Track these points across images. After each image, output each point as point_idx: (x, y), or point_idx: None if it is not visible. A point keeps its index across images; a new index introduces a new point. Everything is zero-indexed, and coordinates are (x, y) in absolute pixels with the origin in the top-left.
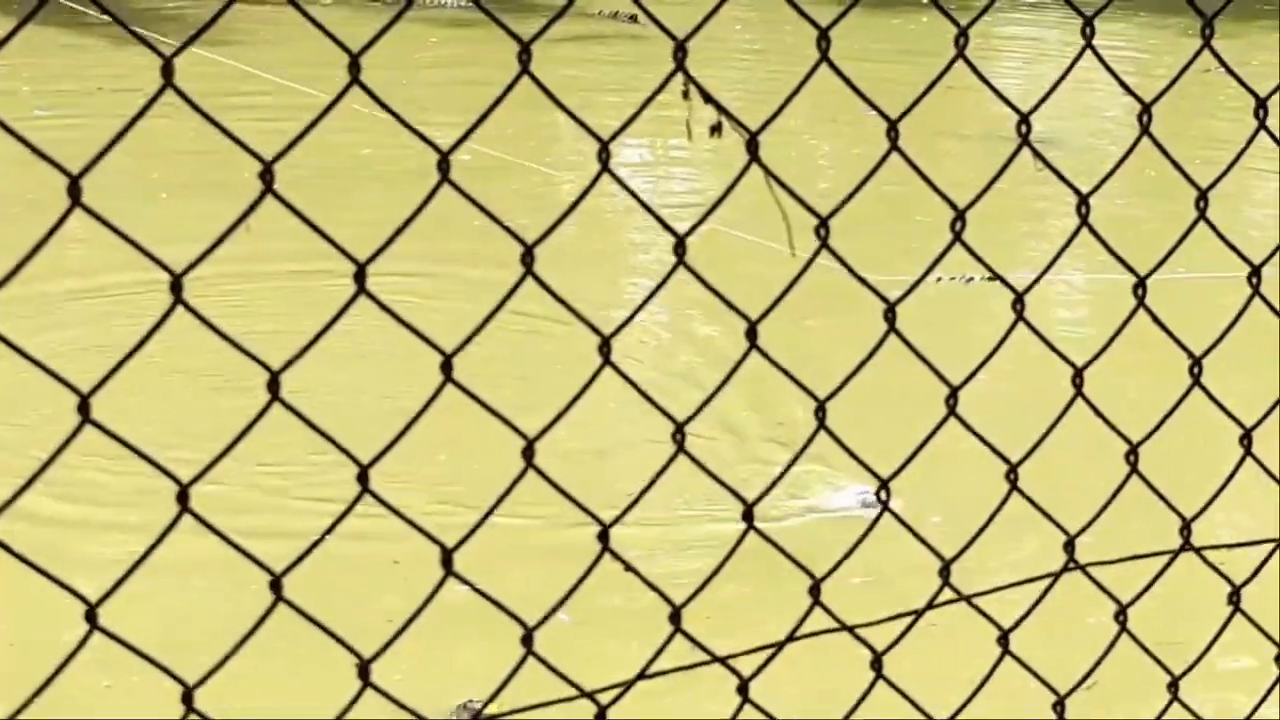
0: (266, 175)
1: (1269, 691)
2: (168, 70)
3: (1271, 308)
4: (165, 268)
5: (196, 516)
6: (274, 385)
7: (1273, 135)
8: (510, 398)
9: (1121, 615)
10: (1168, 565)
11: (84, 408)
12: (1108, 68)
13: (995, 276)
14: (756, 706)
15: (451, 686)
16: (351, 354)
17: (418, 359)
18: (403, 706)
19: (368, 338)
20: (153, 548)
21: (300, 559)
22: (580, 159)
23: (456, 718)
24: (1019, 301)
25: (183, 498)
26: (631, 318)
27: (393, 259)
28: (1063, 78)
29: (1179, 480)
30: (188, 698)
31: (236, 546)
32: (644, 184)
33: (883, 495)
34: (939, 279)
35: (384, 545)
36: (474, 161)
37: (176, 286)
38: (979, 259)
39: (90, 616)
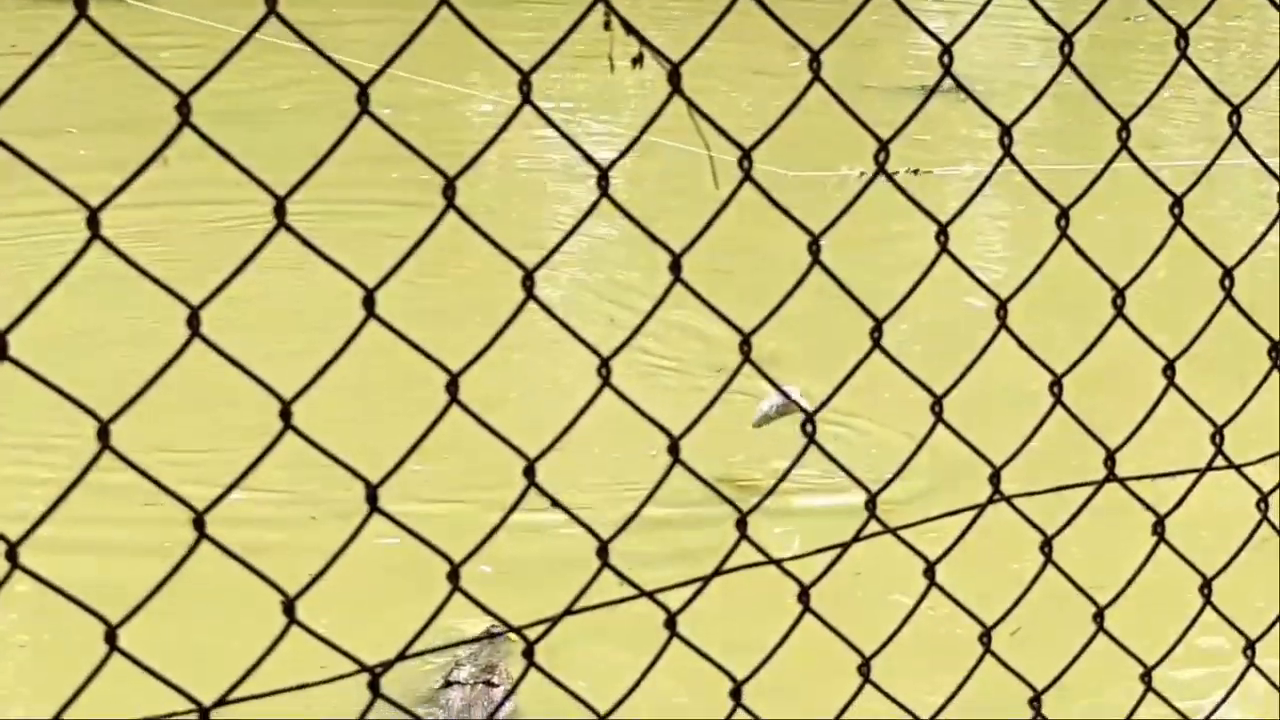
0: (183, 108)
1: (1194, 620)
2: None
3: (1196, 240)
4: (81, 201)
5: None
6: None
7: (1194, 65)
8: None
9: (1046, 547)
10: (1092, 495)
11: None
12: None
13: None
14: (684, 641)
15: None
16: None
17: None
18: (331, 644)
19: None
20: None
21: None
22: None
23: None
24: (942, 234)
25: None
26: (555, 250)
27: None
28: (984, 8)
29: (1109, 416)
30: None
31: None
32: (564, 118)
33: (808, 429)
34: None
35: (307, 508)
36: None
37: (93, 221)
38: (908, 196)
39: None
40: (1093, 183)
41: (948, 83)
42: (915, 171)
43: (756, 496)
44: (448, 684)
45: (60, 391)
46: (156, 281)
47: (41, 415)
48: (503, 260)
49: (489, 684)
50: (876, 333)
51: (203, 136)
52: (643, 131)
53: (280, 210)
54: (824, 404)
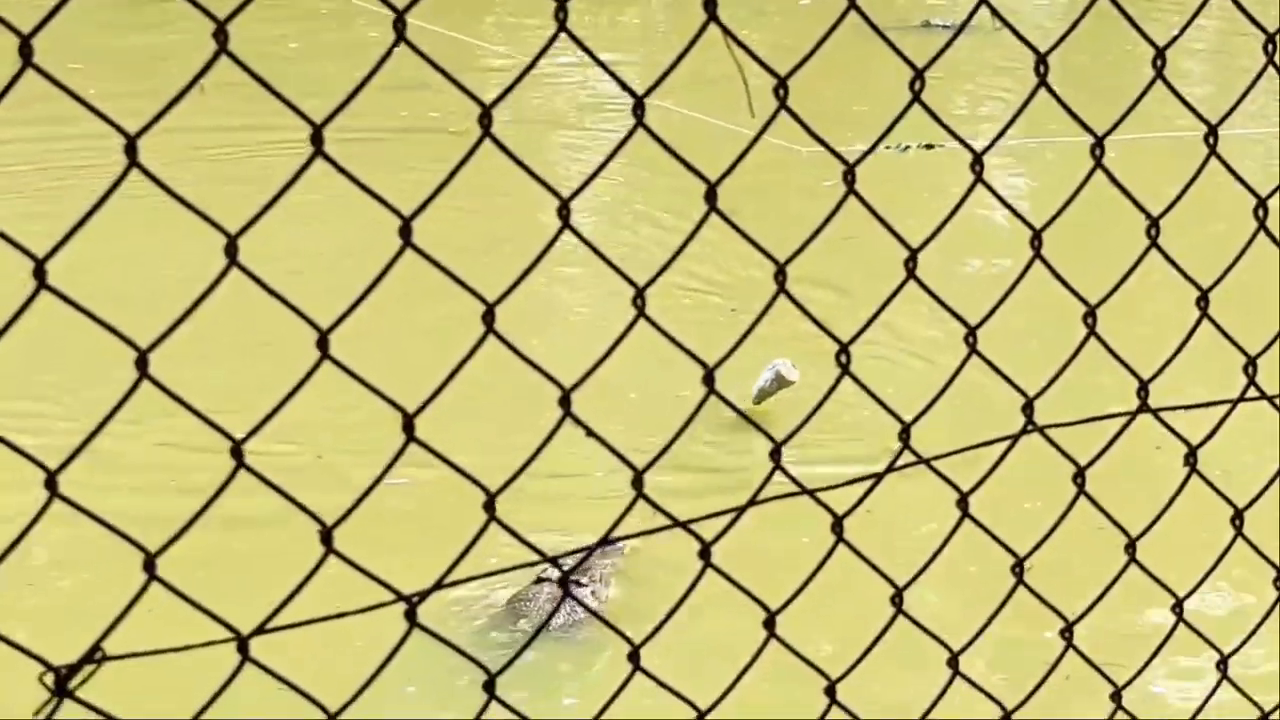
0: (220, 36)
1: (1226, 550)
2: None
3: (1228, 167)
4: (120, 129)
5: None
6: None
7: None
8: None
9: (1079, 478)
10: (1125, 426)
11: None
12: None
13: (955, 137)
14: (719, 571)
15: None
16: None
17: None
18: (368, 574)
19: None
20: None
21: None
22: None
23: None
24: (978, 163)
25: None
26: (592, 178)
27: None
28: None
29: (1143, 348)
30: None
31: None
32: (575, 59)
33: (842, 359)
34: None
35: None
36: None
37: (131, 149)
38: (939, 121)
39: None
40: (1128, 111)
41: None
42: (929, 146)
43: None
44: (538, 580)
45: (100, 322)
46: (194, 209)
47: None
48: (517, 195)
49: (577, 584)
50: (911, 263)
51: (240, 64)
52: (679, 59)
53: (318, 139)
54: (858, 334)
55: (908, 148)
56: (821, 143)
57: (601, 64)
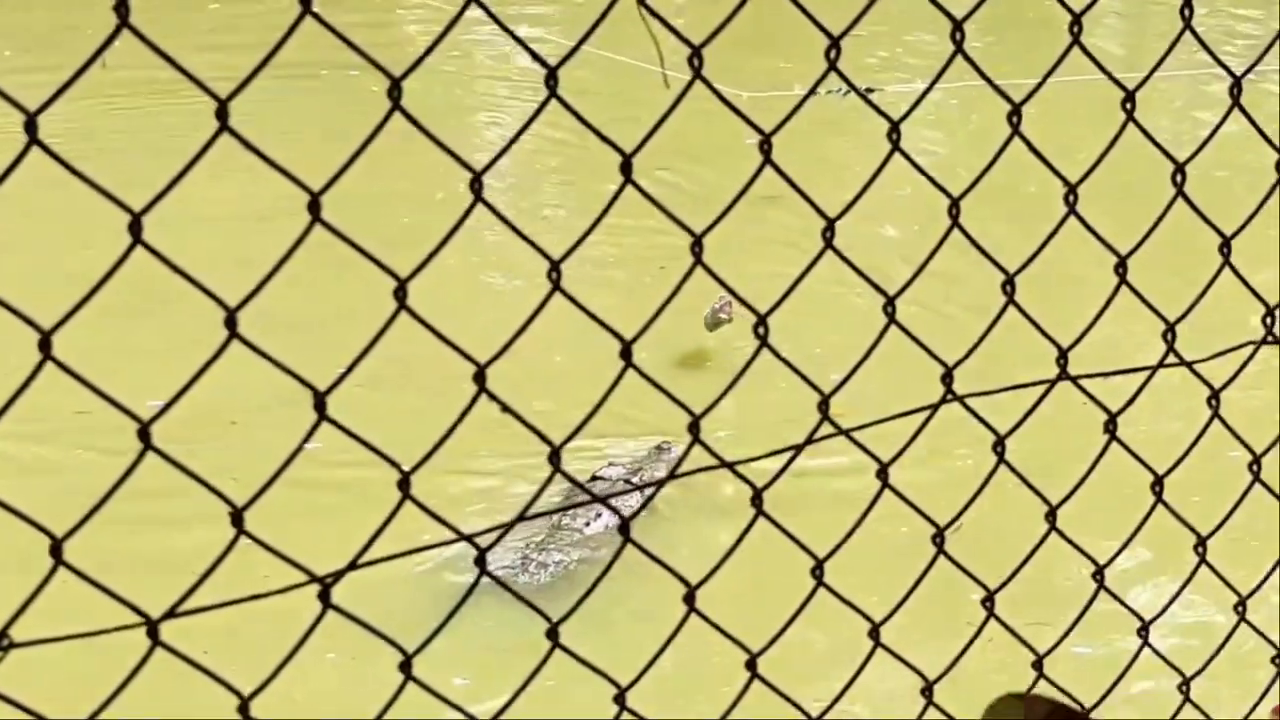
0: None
1: (1145, 518)
2: None
3: (1141, 128)
4: (19, 106)
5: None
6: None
7: None
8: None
9: (999, 446)
10: (1045, 394)
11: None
12: None
13: (865, 95)
14: (636, 545)
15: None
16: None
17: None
18: (280, 555)
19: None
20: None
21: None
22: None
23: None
24: (894, 131)
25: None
26: (504, 151)
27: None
28: None
29: (1059, 318)
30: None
31: None
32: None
33: (760, 331)
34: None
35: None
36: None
37: (31, 125)
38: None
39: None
40: (1043, 81)
41: None
42: (870, 90)
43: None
44: (594, 478)
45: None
46: (95, 186)
47: None
48: (422, 176)
49: (627, 482)
50: (829, 232)
51: (143, 39)
52: (591, 29)
53: (223, 113)
54: (776, 305)
55: (847, 92)
56: (741, 116)
57: (514, 35)
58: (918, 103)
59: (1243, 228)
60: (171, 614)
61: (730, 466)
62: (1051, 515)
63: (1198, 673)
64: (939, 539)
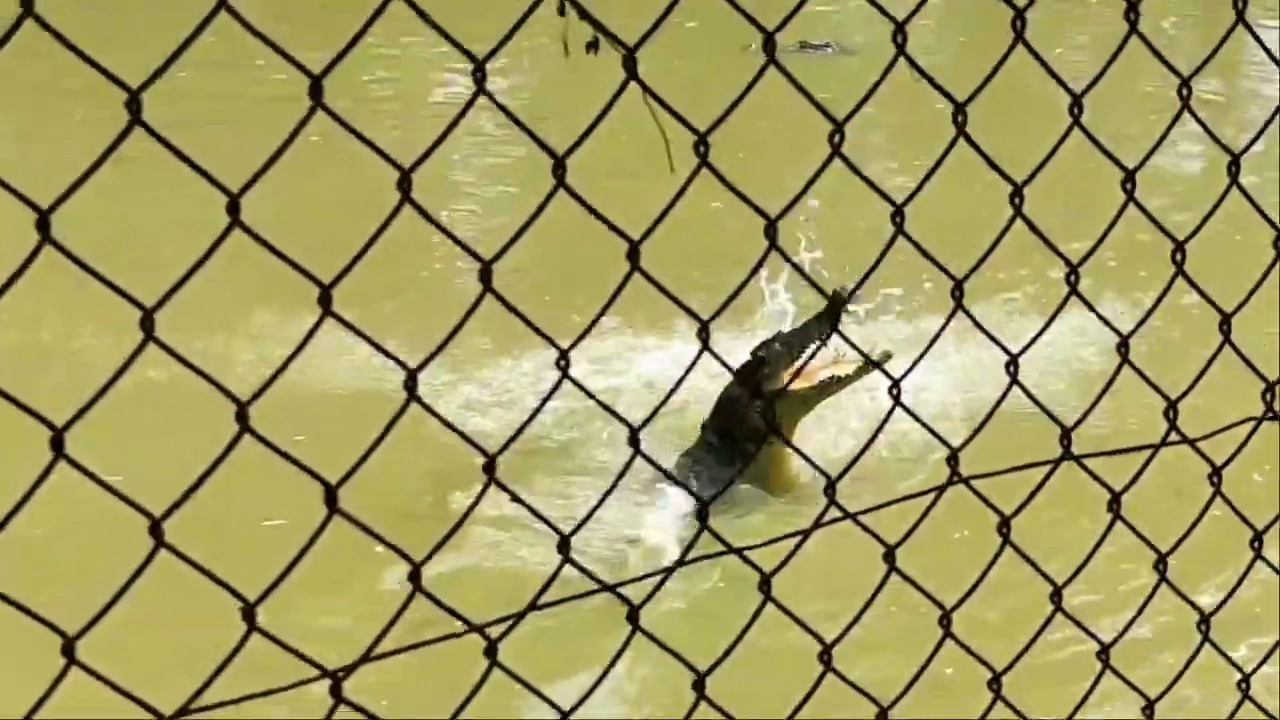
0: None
1: (1151, 595)
2: None
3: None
4: None
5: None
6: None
7: None
8: None
9: (1004, 527)
10: (1049, 475)
11: None
12: None
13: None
14: (646, 634)
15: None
16: None
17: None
18: (291, 650)
19: None
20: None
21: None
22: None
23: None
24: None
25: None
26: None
27: None
28: None
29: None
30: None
31: None
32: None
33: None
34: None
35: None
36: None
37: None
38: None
39: None
40: (1045, 160)
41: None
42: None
43: None
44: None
45: None
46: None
47: None
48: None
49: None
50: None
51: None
52: (601, 116)
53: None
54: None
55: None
56: (745, 201)
57: (516, 120)
58: (918, 188)
59: (1241, 306)
60: (185, 711)
61: (738, 552)
62: (1056, 596)
63: None
64: (945, 621)
